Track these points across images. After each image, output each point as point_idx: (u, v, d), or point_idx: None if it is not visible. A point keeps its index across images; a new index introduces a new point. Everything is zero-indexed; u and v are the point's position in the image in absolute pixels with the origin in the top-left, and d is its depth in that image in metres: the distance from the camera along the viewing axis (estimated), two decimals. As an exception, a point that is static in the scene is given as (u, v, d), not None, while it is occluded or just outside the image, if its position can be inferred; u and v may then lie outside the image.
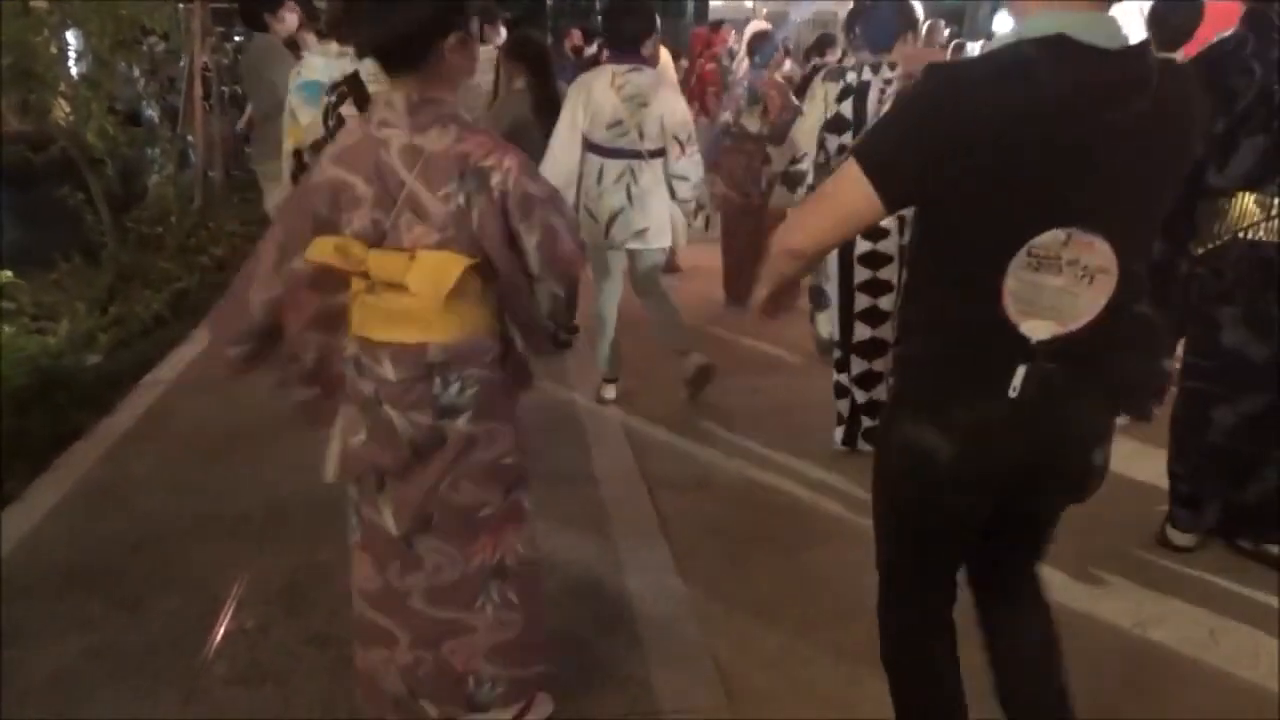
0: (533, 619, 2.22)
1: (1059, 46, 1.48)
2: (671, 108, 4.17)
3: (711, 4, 19.77)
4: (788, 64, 7.37)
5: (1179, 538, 3.22)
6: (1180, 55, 3.68)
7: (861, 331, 3.85)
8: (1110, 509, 3.46)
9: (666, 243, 4.37)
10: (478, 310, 2.03)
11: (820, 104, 3.83)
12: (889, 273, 3.75)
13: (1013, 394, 1.57)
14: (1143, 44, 1.54)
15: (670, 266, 5.91)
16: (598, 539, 3.25)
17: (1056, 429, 1.64)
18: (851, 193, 1.58)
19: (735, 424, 4.32)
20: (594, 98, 4.12)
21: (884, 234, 3.68)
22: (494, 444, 2.06)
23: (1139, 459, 3.64)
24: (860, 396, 3.93)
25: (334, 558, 3.13)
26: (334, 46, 4.13)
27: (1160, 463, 3.30)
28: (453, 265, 1.94)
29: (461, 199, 1.93)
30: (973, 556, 1.90)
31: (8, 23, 5.00)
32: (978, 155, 1.48)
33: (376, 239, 1.97)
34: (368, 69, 2.86)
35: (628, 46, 4.18)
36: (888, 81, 3.66)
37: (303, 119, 4.15)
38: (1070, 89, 1.47)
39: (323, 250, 1.98)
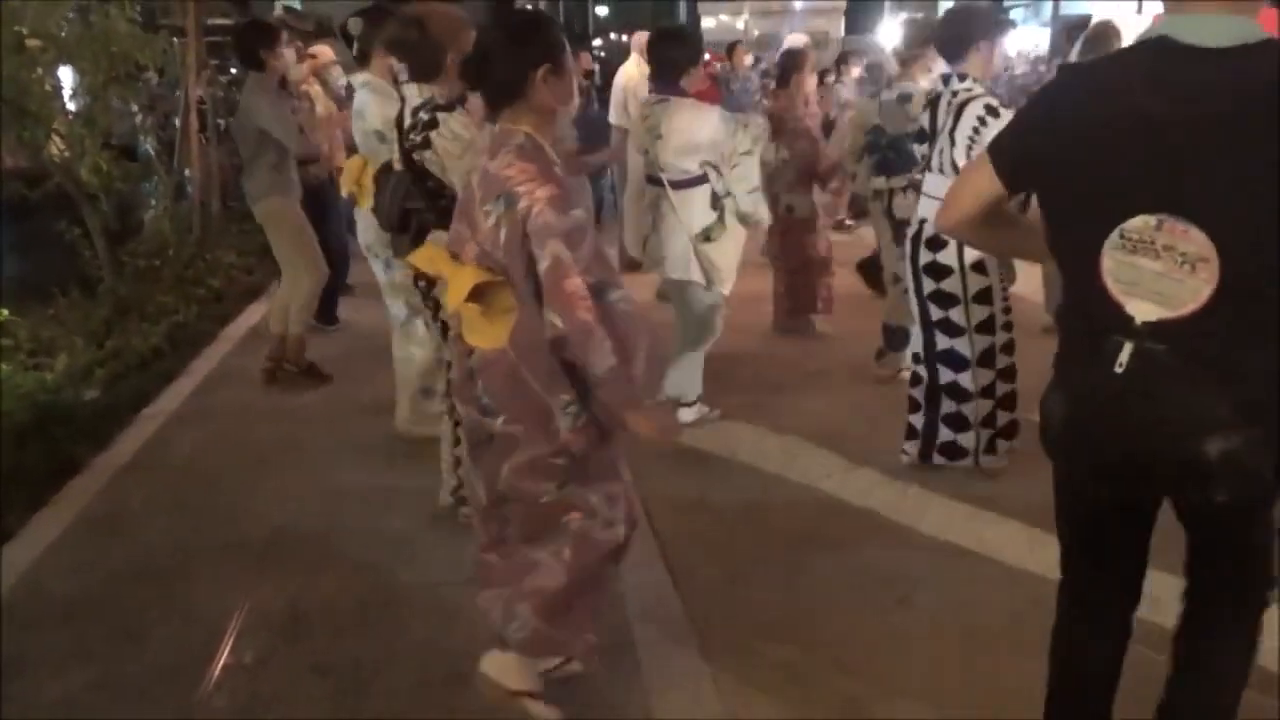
0: (578, 586, 2.36)
1: (1160, 48, 1.63)
2: (684, 140, 4.12)
3: (704, 25, 19.93)
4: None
5: None
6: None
7: (942, 341, 3.82)
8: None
9: (682, 275, 4.27)
10: (502, 326, 2.22)
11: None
12: (952, 285, 3.72)
13: (1118, 369, 1.65)
14: (1251, 44, 1.59)
15: None
16: (596, 561, 3.25)
17: (1162, 410, 1.66)
18: (980, 172, 1.85)
19: (733, 442, 4.33)
20: (636, 127, 4.40)
21: (943, 244, 3.68)
22: (533, 445, 2.26)
23: None
24: (948, 407, 3.86)
25: (333, 586, 3.14)
26: (361, 77, 4.09)
27: None
28: (468, 277, 2.19)
29: (494, 218, 2.16)
30: (1189, 569, 1.90)
31: (1, 61, 5.04)
32: (1070, 146, 1.68)
33: (456, 248, 2.31)
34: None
35: (664, 77, 4.24)
36: (955, 93, 3.70)
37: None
38: (1158, 85, 1.60)
39: (418, 256, 2.44)
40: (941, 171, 3.71)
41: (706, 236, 4.19)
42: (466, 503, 3.23)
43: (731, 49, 9.34)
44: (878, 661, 2.71)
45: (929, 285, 3.78)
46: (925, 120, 3.87)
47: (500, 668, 2.43)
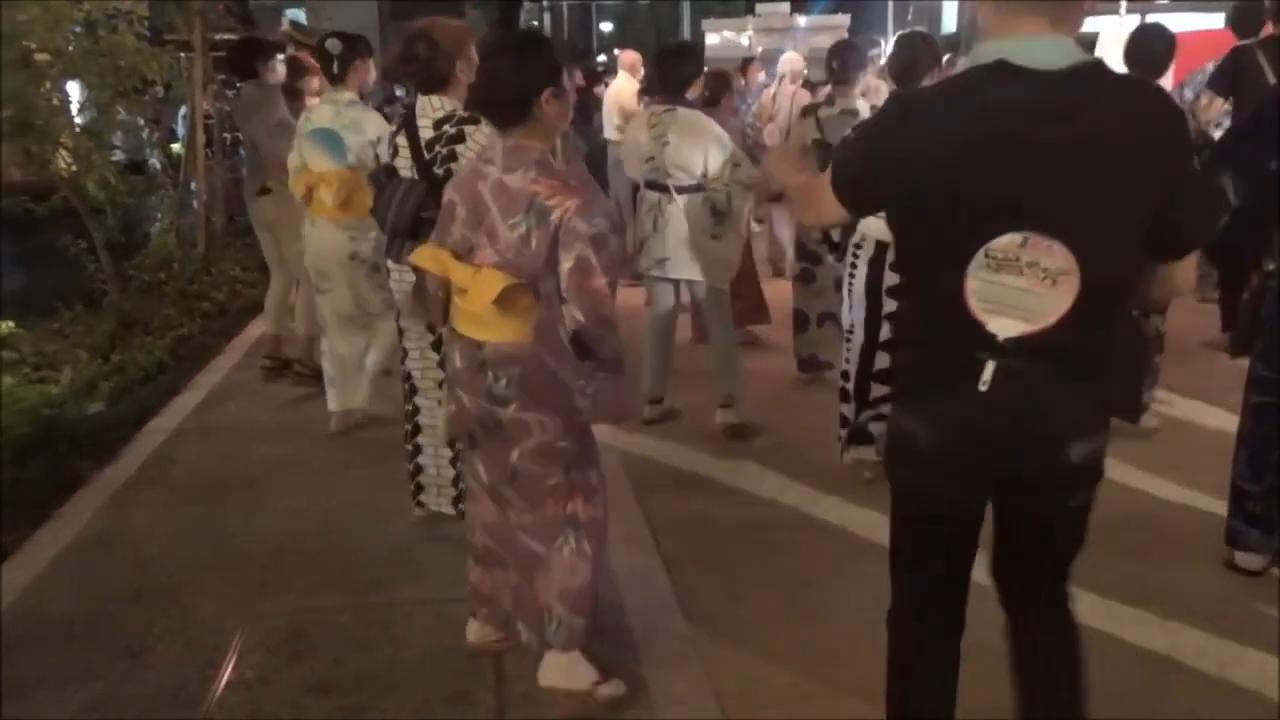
0: (597, 571, 2.57)
1: (998, 70, 1.66)
2: (693, 154, 4.36)
3: (707, 42, 19.98)
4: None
5: (1248, 560, 3.15)
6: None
7: (882, 360, 3.82)
8: (1160, 530, 3.49)
9: (686, 275, 4.52)
10: (522, 321, 2.37)
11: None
12: None
13: (983, 387, 1.68)
14: (1085, 65, 1.66)
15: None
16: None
17: (1027, 422, 1.72)
18: (827, 198, 1.89)
19: (737, 457, 4.31)
20: (635, 135, 4.63)
21: None
22: (546, 431, 2.42)
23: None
24: (866, 416, 3.90)
25: (335, 604, 3.12)
26: (345, 94, 4.22)
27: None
28: (497, 281, 2.33)
29: (523, 229, 2.33)
30: (1002, 574, 1.98)
31: (9, 75, 5.06)
32: (923, 170, 1.70)
33: (464, 252, 2.44)
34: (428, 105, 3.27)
35: (671, 89, 4.53)
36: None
37: (315, 165, 4.25)
38: (1007, 108, 1.64)
39: (421, 256, 2.54)
40: None
41: (713, 236, 4.43)
42: (462, 500, 3.39)
43: (745, 65, 9.49)
44: (884, 679, 2.67)
45: (890, 306, 3.75)
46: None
47: (560, 674, 2.56)
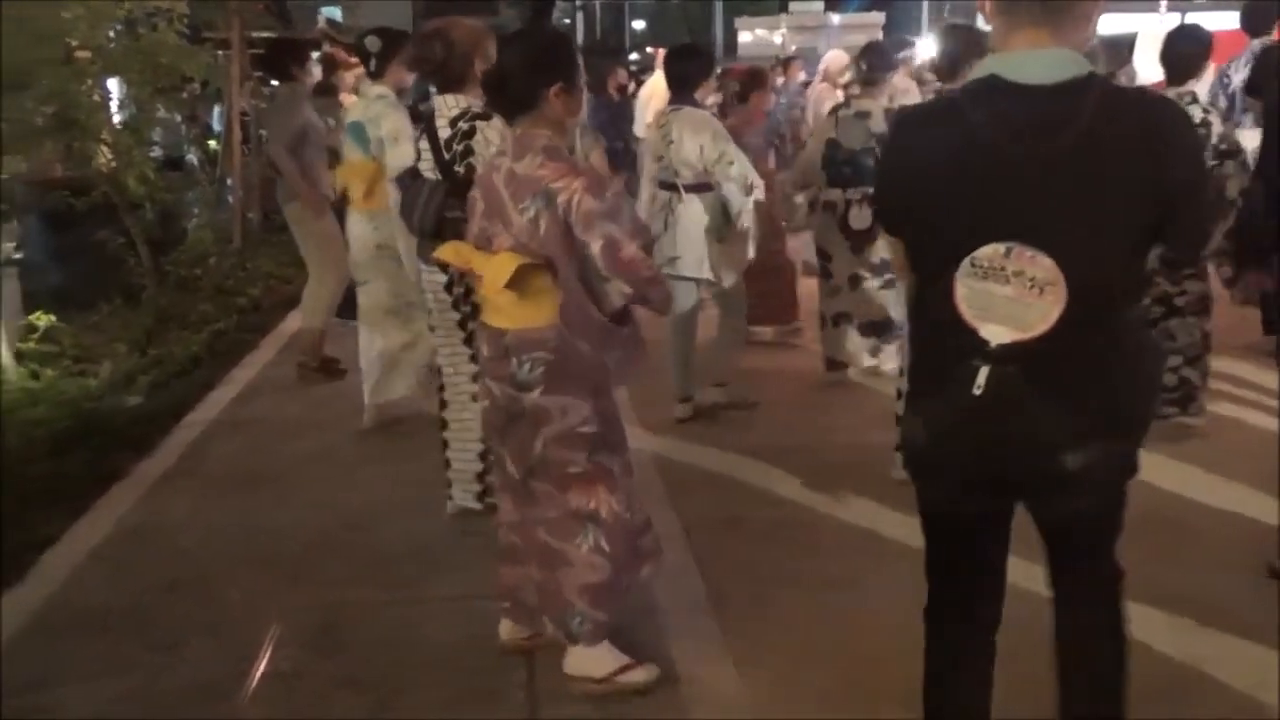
0: (620, 569, 2.58)
1: (989, 86, 1.72)
2: (693, 146, 4.39)
3: (740, 40, 19.93)
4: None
5: None
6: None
7: None
8: (1198, 534, 3.44)
9: (695, 274, 4.53)
10: (543, 305, 2.42)
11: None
12: None
13: (977, 391, 1.71)
14: (1078, 79, 1.67)
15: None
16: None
17: (1019, 428, 1.74)
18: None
19: (768, 459, 4.29)
20: (650, 135, 4.75)
21: None
22: (568, 415, 2.46)
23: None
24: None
25: (367, 598, 3.14)
26: (376, 89, 4.27)
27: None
28: (509, 263, 2.38)
29: (532, 213, 2.38)
30: (1049, 573, 2.01)
31: (51, 72, 5.14)
32: (916, 183, 1.79)
33: (483, 243, 2.50)
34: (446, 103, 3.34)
35: (681, 89, 4.59)
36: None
37: (349, 156, 4.38)
38: (990, 124, 1.69)
39: (444, 251, 2.69)
40: None
41: (718, 236, 4.49)
42: (487, 494, 3.48)
43: (786, 63, 9.54)
44: (914, 685, 2.65)
45: None
46: None
47: (582, 663, 2.60)
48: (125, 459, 4.29)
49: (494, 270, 2.43)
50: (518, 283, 2.40)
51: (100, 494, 3.97)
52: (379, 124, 4.20)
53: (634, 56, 28.59)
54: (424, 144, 3.36)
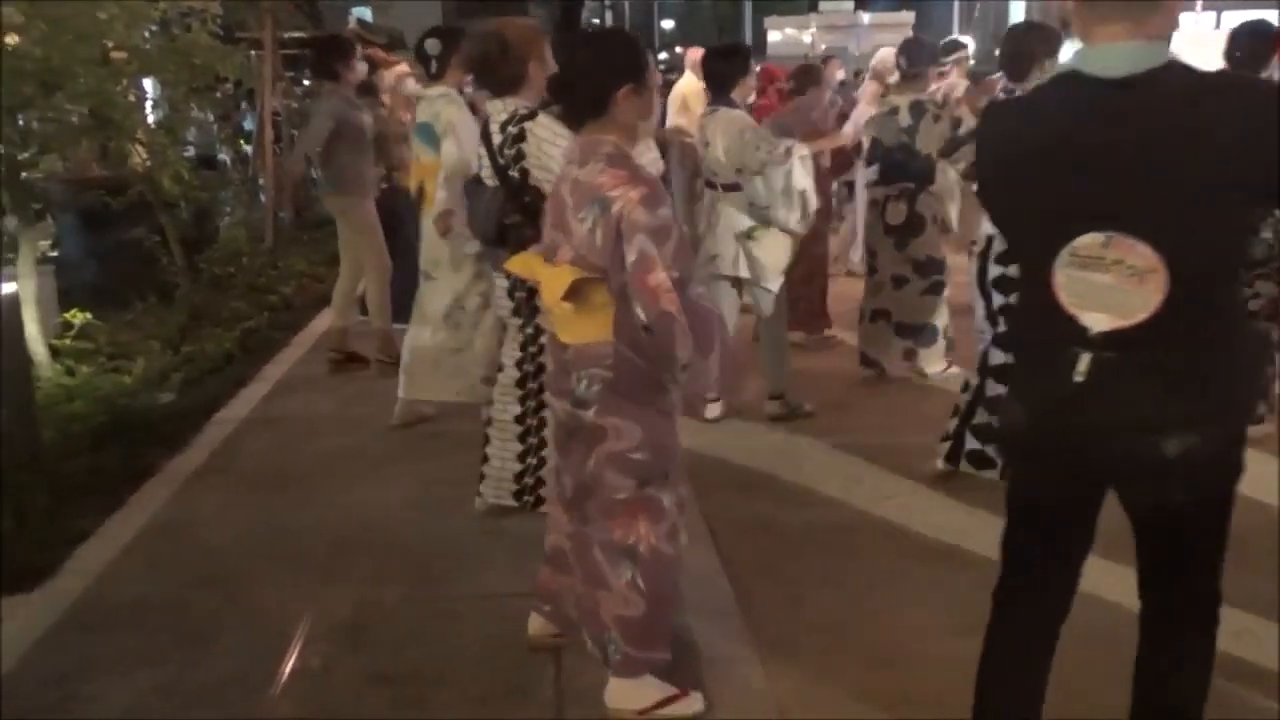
0: (657, 606, 2.47)
1: (1069, 80, 1.77)
2: (724, 147, 4.42)
3: (769, 39, 19.89)
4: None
5: None
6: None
7: (996, 356, 3.76)
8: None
9: (732, 273, 4.52)
10: (602, 320, 2.34)
11: None
12: None
13: (1078, 378, 1.73)
14: (1156, 69, 1.68)
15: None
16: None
17: (1120, 414, 1.75)
18: None
19: (796, 462, 4.28)
20: (698, 136, 4.71)
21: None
22: (621, 438, 2.37)
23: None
24: (981, 418, 3.84)
25: (396, 595, 3.16)
26: (438, 89, 4.27)
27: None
28: (566, 276, 2.32)
29: (590, 222, 2.30)
30: (1144, 569, 1.96)
31: (88, 72, 5.20)
32: (1008, 174, 1.86)
33: (549, 254, 2.44)
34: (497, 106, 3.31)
35: (719, 88, 4.58)
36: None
37: (422, 158, 4.36)
38: (1084, 114, 1.72)
39: (513, 263, 2.66)
40: None
41: (749, 235, 4.47)
42: (525, 494, 3.50)
43: (826, 62, 9.56)
44: (946, 690, 2.62)
45: (998, 299, 3.73)
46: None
47: (622, 696, 2.50)
48: (158, 455, 4.34)
49: (552, 282, 2.37)
50: (576, 296, 2.33)
51: (134, 489, 4.02)
52: (440, 119, 4.16)
53: (663, 56, 28.58)
54: (482, 150, 3.35)
